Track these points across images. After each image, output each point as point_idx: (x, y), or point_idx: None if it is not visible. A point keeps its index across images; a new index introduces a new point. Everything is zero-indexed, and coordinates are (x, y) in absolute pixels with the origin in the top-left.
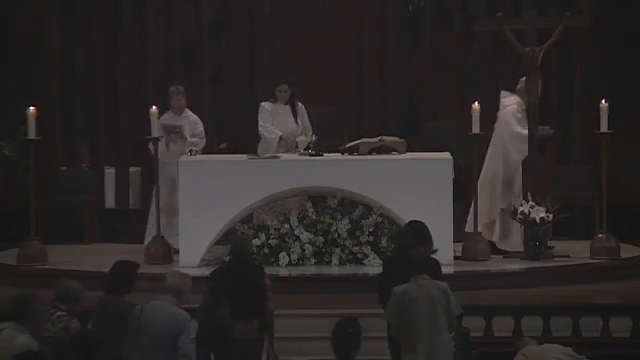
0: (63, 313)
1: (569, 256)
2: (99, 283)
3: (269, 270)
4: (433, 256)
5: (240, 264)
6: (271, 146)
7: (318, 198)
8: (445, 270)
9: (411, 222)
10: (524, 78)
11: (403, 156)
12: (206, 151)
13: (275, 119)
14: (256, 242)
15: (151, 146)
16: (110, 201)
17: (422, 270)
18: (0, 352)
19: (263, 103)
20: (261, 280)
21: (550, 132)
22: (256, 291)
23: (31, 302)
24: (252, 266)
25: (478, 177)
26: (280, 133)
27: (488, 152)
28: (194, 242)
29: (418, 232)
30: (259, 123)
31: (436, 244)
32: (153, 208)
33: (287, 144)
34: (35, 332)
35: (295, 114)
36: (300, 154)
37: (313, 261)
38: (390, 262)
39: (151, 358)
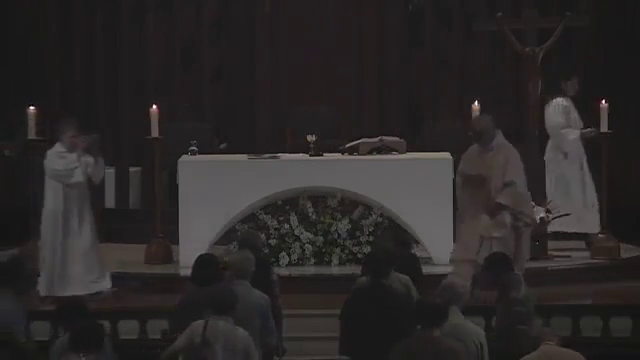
0: None
1: (569, 256)
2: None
3: None
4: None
5: None
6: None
7: (318, 198)
8: (445, 270)
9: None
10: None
11: (403, 156)
12: (206, 151)
13: (572, 114)
14: None
15: None
16: (110, 201)
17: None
18: (226, 343)
19: (559, 99)
20: (269, 276)
21: None
22: (264, 287)
23: (229, 296)
24: (260, 262)
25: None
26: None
27: None
28: (194, 242)
29: (390, 256)
30: (556, 122)
31: (436, 244)
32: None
33: None
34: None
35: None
36: None
37: (313, 261)
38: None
39: None
